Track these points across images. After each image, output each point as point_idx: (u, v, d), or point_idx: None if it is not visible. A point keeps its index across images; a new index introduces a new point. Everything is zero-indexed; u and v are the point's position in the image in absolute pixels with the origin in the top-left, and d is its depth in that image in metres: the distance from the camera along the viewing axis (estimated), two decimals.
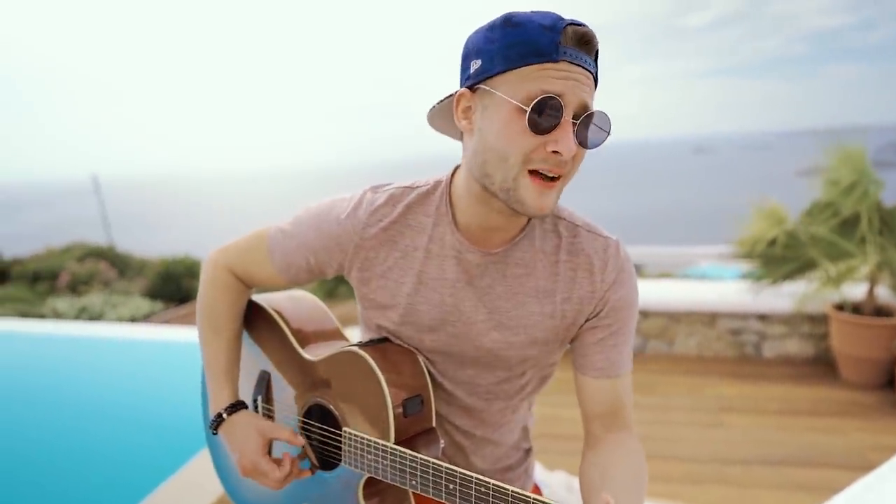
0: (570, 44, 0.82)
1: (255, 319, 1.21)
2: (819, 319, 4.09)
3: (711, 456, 3.00)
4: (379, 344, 1.05)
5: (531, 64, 0.81)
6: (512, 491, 0.79)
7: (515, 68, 0.82)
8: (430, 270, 0.99)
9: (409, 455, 0.92)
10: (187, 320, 8.57)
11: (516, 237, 0.98)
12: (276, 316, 1.18)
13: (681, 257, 8.24)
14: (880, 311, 3.78)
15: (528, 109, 0.81)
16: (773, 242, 4.03)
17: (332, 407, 1.06)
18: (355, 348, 1.02)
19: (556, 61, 0.81)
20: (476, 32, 0.88)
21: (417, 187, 1.02)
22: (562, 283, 0.98)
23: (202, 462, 3.05)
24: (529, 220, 0.99)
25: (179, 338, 4.93)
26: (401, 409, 0.97)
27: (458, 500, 0.86)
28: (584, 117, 0.83)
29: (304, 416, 1.13)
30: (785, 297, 4.12)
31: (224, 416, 1.09)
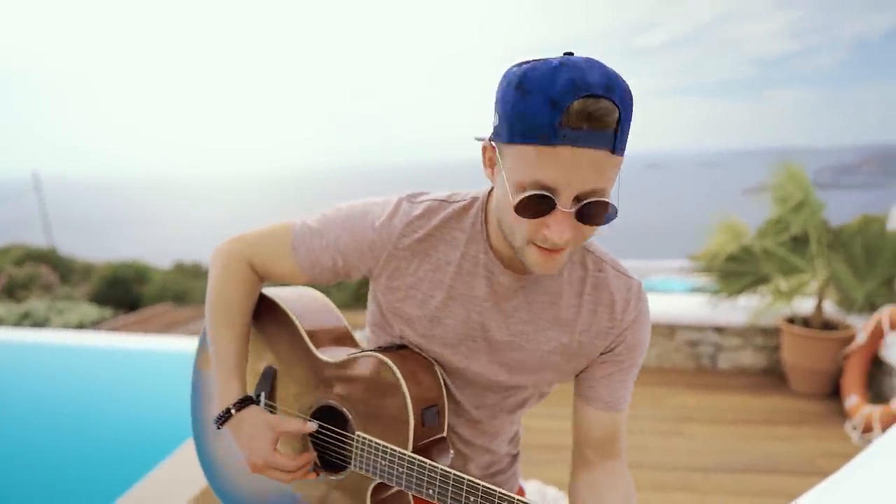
0: (573, 124, 0.74)
1: (262, 313, 1.18)
2: (771, 332, 4.28)
3: (674, 464, 3.10)
4: (399, 351, 1.06)
5: (530, 143, 0.77)
6: None
7: (518, 144, 0.79)
8: (459, 286, 1.00)
9: (430, 464, 0.93)
10: (140, 327, 8.28)
11: None
12: (289, 312, 1.16)
13: (634, 270, 8.44)
14: (827, 325, 3.99)
15: (515, 203, 0.80)
16: (731, 257, 4.20)
17: (344, 409, 1.06)
18: (378, 354, 1.02)
19: (553, 146, 0.75)
20: (505, 76, 0.82)
21: (455, 202, 1.01)
22: (584, 315, 1.00)
23: (163, 474, 2.97)
24: None
25: (136, 345, 4.77)
26: (419, 418, 0.98)
27: None
28: (583, 205, 0.79)
29: (312, 417, 1.12)
30: (740, 310, 4.30)
31: (232, 411, 1.06)
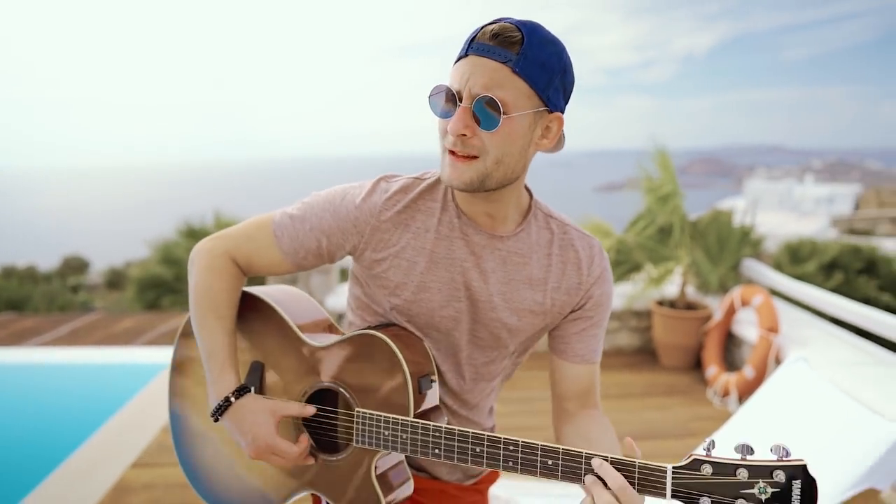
0: (480, 39, 0.94)
1: (244, 310, 1.18)
2: (643, 314, 4.77)
3: None
4: (389, 328, 1.11)
5: (456, 62, 0.97)
6: (541, 445, 0.91)
7: (452, 67, 0.99)
8: (440, 250, 1.08)
9: (433, 426, 0.99)
10: None
11: (516, 229, 1.10)
12: (274, 305, 1.16)
13: None
14: (690, 306, 4.53)
15: (427, 99, 0.97)
16: (608, 249, 4.61)
17: (341, 390, 1.09)
18: (371, 331, 1.06)
19: (465, 56, 0.95)
20: None
21: (426, 178, 1.12)
22: (554, 273, 1.12)
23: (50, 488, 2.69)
24: (526, 215, 1.12)
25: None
26: (417, 386, 1.04)
27: (485, 461, 0.95)
28: (476, 102, 0.93)
29: (305, 402, 1.13)
30: (617, 296, 4.73)
31: (232, 399, 1.07)
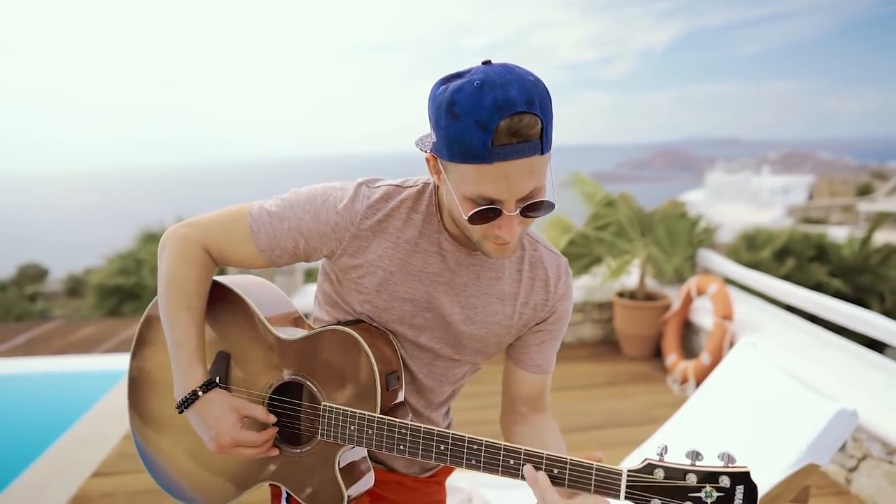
0: (503, 142, 0.86)
1: (213, 300, 1.17)
2: (605, 306, 4.87)
3: None
4: (358, 323, 1.12)
5: (468, 163, 0.88)
6: (504, 445, 0.95)
7: (457, 164, 0.90)
8: (416, 263, 1.09)
9: (399, 422, 1.02)
10: None
11: None
12: (243, 296, 1.16)
13: None
14: (649, 297, 4.65)
15: (467, 217, 0.92)
16: (570, 242, 4.70)
17: (308, 383, 1.10)
18: (341, 327, 1.08)
19: (490, 163, 0.87)
20: (434, 99, 0.91)
21: (408, 187, 1.11)
22: (524, 289, 1.15)
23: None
24: None
25: None
26: (384, 383, 1.06)
27: (448, 459, 0.98)
28: (526, 206, 0.92)
29: (271, 394, 1.14)
30: (579, 289, 4.82)
31: (199, 393, 1.07)
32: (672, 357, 4.20)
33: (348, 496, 1.09)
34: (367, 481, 1.15)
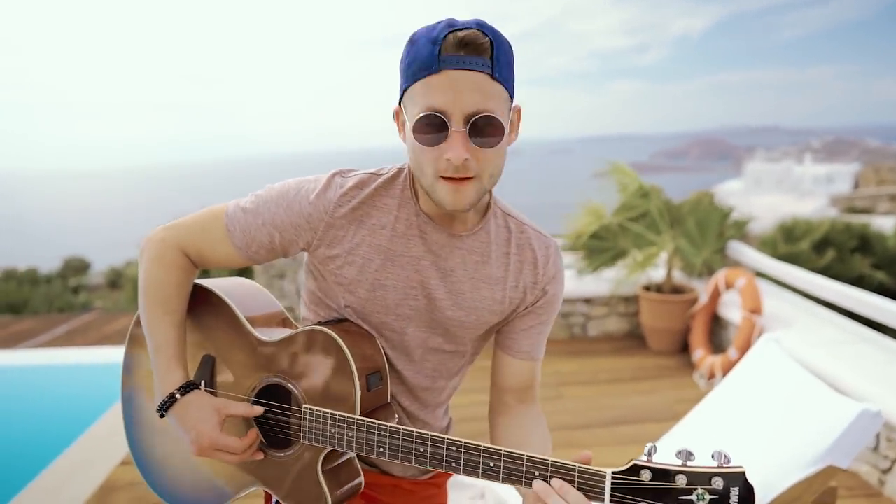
0: (450, 51, 0.88)
1: (197, 303, 1.17)
2: (631, 300, 4.78)
3: (557, 424, 3.39)
4: (339, 323, 1.11)
5: (421, 79, 0.90)
6: (483, 446, 0.92)
7: (412, 85, 0.91)
8: (396, 248, 1.07)
9: (378, 424, 1.00)
10: None
11: (475, 227, 1.09)
12: (225, 298, 1.16)
13: None
14: (676, 290, 4.54)
15: (412, 127, 0.91)
16: (593, 235, 4.62)
17: (289, 385, 1.09)
18: (320, 327, 1.06)
19: (437, 72, 0.88)
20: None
21: (382, 174, 1.09)
22: (512, 273, 1.11)
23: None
24: (485, 213, 1.11)
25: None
26: (364, 384, 1.04)
27: (428, 461, 0.96)
28: (472, 123, 0.89)
29: (255, 398, 1.13)
30: (604, 282, 4.75)
31: (177, 396, 1.06)
32: (699, 352, 4.10)
33: (332, 500, 1.07)
34: (355, 485, 1.13)
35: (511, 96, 0.96)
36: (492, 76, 0.90)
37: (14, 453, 3.40)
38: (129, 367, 1.27)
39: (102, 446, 3.15)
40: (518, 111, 1.01)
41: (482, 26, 0.90)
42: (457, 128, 0.90)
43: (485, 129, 0.91)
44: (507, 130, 0.94)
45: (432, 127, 0.90)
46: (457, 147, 0.90)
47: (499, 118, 0.91)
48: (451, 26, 0.89)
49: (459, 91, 0.88)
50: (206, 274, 1.19)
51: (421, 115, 0.90)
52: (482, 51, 0.89)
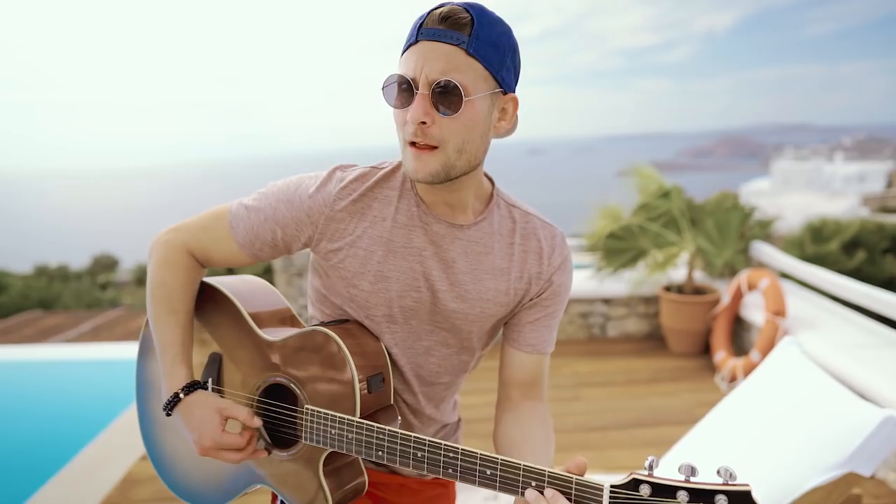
0: (430, 24, 0.93)
1: (204, 301, 1.18)
2: (651, 300, 4.71)
3: (574, 426, 3.36)
4: (342, 324, 1.11)
5: (405, 51, 0.96)
6: (480, 454, 0.90)
7: (400, 57, 0.98)
8: (398, 239, 1.07)
9: (377, 427, 0.99)
10: (6, 339, 7.48)
11: (477, 218, 1.09)
12: (231, 297, 1.16)
13: None
14: (698, 291, 4.47)
15: (382, 91, 0.97)
16: (612, 234, 4.57)
17: (293, 385, 1.09)
18: (321, 328, 1.06)
19: (416, 43, 0.94)
20: None
21: (383, 167, 1.10)
22: (516, 263, 1.11)
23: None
24: (488, 204, 1.11)
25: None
26: (365, 386, 1.04)
27: (426, 466, 0.95)
28: (434, 88, 0.92)
29: (260, 397, 1.14)
30: (624, 282, 4.69)
31: (181, 395, 1.07)
32: (721, 354, 4.03)
33: (332, 500, 1.07)
34: (358, 486, 1.12)
35: (495, 77, 0.96)
36: (467, 52, 0.93)
37: (40, 445, 3.49)
38: (141, 364, 1.29)
39: (125, 440, 3.22)
40: (514, 100, 1.02)
41: (471, 7, 0.95)
42: (419, 91, 0.94)
43: (446, 96, 0.93)
44: (469, 99, 0.94)
45: (401, 90, 0.96)
46: (416, 107, 0.93)
47: (460, 86, 0.92)
48: (441, 3, 0.95)
49: (429, 59, 0.93)
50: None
51: (391, 77, 0.96)
52: (460, 26, 0.93)
